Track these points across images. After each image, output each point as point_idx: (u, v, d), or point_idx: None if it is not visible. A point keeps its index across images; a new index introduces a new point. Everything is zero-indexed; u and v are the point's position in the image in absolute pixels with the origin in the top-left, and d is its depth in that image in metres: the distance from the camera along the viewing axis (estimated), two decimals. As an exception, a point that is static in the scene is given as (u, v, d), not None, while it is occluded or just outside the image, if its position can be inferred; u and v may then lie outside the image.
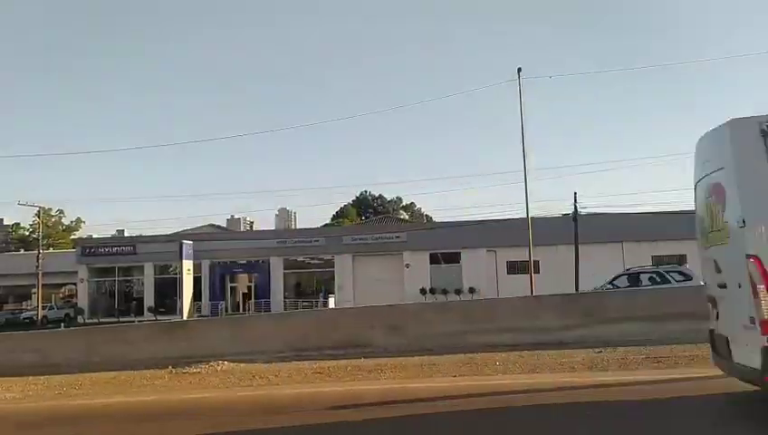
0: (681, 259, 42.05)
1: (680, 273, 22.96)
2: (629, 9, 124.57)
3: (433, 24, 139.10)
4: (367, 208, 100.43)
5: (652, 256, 42.52)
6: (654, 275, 23.76)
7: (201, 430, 7.14)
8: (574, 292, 33.74)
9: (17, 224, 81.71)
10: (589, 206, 41.74)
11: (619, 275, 25.64)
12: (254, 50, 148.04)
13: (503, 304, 16.89)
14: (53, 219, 72.06)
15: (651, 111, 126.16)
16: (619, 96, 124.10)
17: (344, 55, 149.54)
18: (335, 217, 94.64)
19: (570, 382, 8.54)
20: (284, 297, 45.83)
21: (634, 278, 24.22)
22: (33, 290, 50.98)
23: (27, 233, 75.06)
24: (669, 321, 12.24)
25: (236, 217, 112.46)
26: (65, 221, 76.05)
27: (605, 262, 41.54)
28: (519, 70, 31.12)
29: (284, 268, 47.07)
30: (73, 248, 54.46)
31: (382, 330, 13.74)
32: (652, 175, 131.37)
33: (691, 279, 21.45)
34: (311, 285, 48.69)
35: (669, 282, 22.45)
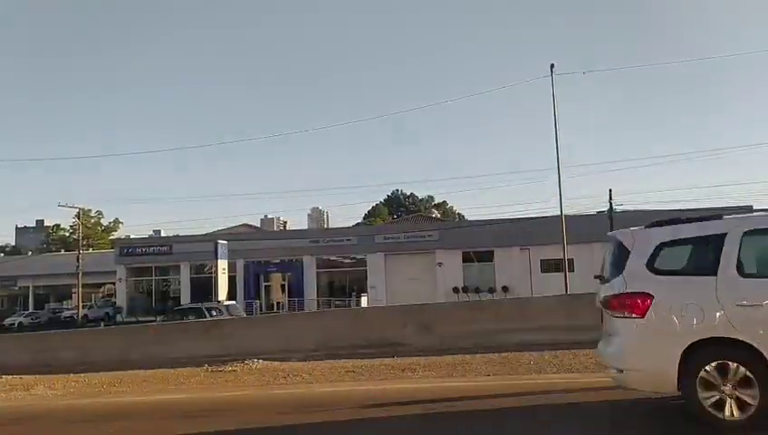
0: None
1: (218, 309, 26.64)
2: (662, 7, 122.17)
3: (466, 21, 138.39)
4: (398, 207, 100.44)
5: (690, 254, 41.71)
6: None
7: (238, 426, 7.24)
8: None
9: (57, 225, 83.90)
10: (624, 203, 41.12)
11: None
12: (286, 48, 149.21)
13: (536, 302, 16.76)
14: (93, 220, 73.72)
15: (686, 106, 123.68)
16: (652, 92, 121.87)
17: (378, 53, 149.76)
18: (367, 216, 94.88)
19: (607, 383, 8.42)
20: (317, 296, 46.08)
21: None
22: (74, 289, 52.21)
23: (67, 234, 76.95)
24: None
25: (270, 216, 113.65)
26: (104, 222, 77.76)
27: (641, 260, 40.90)
28: (552, 66, 30.72)
29: (317, 267, 47.34)
30: (112, 249, 55.59)
31: (414, 329, 13.74)
32: (689, 171, 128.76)
33: (222, 313, 25.16)
34: (343, 284, 48.85)
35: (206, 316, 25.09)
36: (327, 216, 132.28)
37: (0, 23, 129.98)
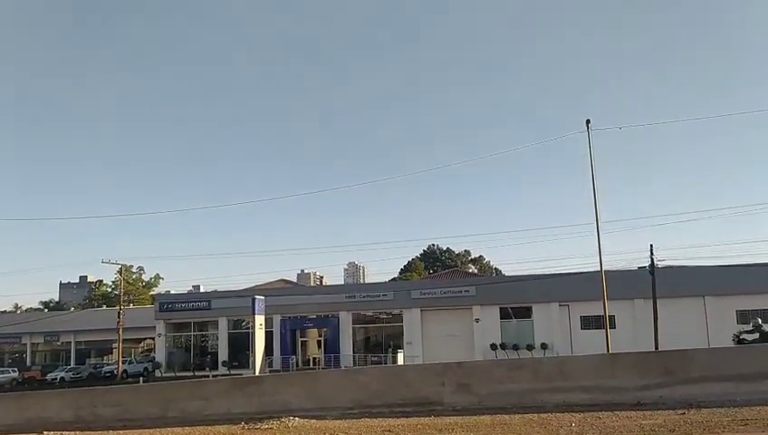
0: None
1: None
2: (706, 59, 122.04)
3: (503, 78, 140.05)
4: (435, 262, 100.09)
5: (737, 311, 40.41)
6: None
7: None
8: (653, 349, 32.33)
9: (100, 281, 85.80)
10: (667, 258, 40.08)
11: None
12: (327, 108, 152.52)
13: (577, 361, 16.35)
14: (134, 276, 75.10)
15: (730, 161, 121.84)
16: (693, 146, 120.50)
17: (412, 108, 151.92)
18: (403, 270, 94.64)
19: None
20: (354, 352, 45.73)
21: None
22: (114, 345, 52.88)
23: (109, 290, 78.45)
24: (756, 380, 11.57)
25: (306, 271, 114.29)
26: (145, 278, 79.13)
27: (686, 317, 39.74)
28: (588, 121, 30.66)
29: (353, 323, 47.11)
30: (152, 304, 56.35)
31: (452, 387, 13.52)
32: (734, 226, 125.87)
33: None
34: (379, 340, 48.42)
35: None
36: (363, 271, 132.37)
37: (43, 91, 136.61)
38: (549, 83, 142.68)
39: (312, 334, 48.93)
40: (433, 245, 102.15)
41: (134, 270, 74.49)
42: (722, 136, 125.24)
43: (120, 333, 48.48)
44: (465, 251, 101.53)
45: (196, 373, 44.21)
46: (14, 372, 53.03)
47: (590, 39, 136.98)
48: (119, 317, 48.28)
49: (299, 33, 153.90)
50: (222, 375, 39.42)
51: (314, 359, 47.37)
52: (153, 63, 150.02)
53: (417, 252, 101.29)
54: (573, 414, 10.92)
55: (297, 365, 45.19)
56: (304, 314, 48.04)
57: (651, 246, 37.63)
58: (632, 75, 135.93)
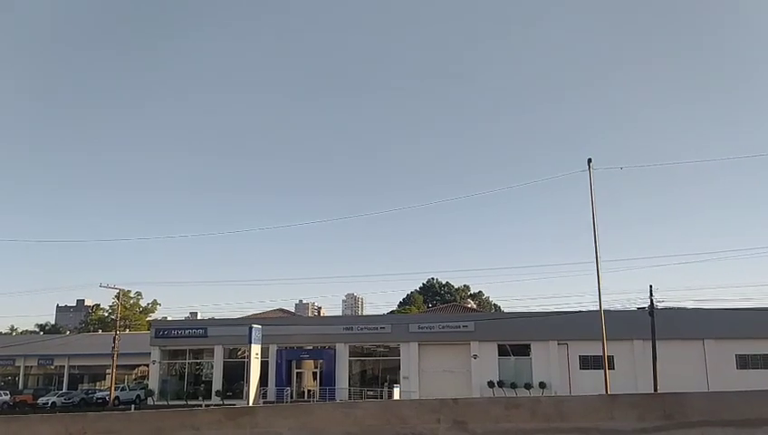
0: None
1: None
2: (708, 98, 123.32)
3: (503, 114, 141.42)
4: (434, 296, 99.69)
5: (736, 355, 40.09)
6: None
7: None
8: (652, 391, 31.99)
9: (97, 305, 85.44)
10: (667, 299, 39.95)
11: None
12: (324, 139, 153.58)
13: (575, 401, 16.05)
14: (132, 301, 74.64)
15: (731, 203, 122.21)
16: (694, 188, 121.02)
17: (414, 142, 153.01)
18: (402, 303, 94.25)
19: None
20: (350, 385, 45.18)
21: None
22: (108, 370, 52.33)
23: (106, 314, 77.98)
24: (759, 426, 11.37)
25: (305, 301, 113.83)
26: (142, 303, 78.66)
27: (685, 360, 39.41)
28: (589, 160, 30.78)
29: (350, 355, 46.59)
30: (148, 330, 55.92)
31: (448, 424, 13.28)
32: (736, 269, 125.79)
33: None
34: (376, 374, 47.85)
35: None
36: (362, 302, 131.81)
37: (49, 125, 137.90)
38: (549, 121, 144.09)
39: (308, 366, 48.38)
40: (432, 278, 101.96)
41: (132, 295, 74.11)
42: (728, 177, 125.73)
43: (115, 358, 48.02)
44: (465, 286, 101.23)
45: (189, 402, 43.63)
46: (5, 395, 52.47)
47: (592, 79, 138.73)
48: (114, 342, 47.87)
49: (299, 71, 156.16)
50: (215, 405, 38.89)
51: (309, 391, 46.73)
52: (163, 95, 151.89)
53: (417, 285, 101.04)
54: (571, 456, 10.69)
55: (292, 397, 44.57)
56: (301, 345, 47.57)
57: (651, 286, 37.45)
58: (636, 115, 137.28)
